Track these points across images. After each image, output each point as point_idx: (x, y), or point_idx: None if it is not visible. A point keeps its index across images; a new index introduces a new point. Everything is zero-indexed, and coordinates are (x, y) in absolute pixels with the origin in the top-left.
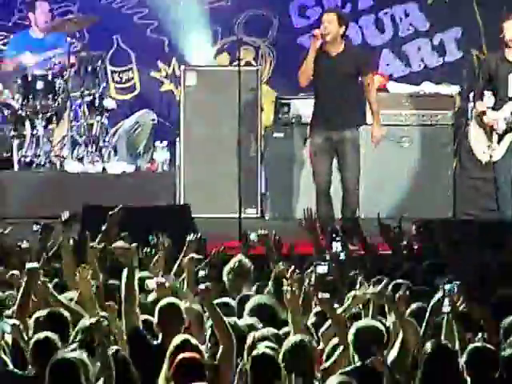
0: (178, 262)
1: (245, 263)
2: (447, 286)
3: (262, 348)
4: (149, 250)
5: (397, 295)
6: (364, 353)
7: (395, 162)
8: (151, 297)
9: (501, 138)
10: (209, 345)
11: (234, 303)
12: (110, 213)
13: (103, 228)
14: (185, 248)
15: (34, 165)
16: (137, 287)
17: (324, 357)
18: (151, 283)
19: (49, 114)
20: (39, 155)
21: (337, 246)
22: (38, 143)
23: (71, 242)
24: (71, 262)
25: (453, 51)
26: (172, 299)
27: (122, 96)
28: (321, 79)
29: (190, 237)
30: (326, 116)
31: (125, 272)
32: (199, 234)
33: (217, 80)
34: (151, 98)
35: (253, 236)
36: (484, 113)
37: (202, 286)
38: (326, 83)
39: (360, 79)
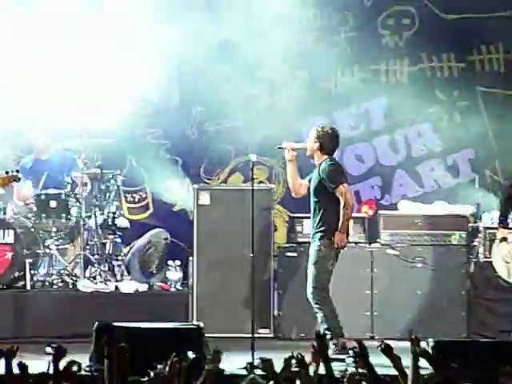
0: None
1: None
2: None
3: None
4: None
5: None
6: None
7: (408, 282)
8: None
9: None
10: None
11: None
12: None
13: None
14: (203, 377)
15: (47, 284)
16: None
17: None
18: None
19: (62, 233)
20: (52, 274)
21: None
22: (51, 262)
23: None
24: None
25: (466, 172)
26: None
27: (135, 216)
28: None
29: (208, 366)
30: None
31: None
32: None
33: (230, 199)
34: (164, 218)
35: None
36: (505, 239)
37: None
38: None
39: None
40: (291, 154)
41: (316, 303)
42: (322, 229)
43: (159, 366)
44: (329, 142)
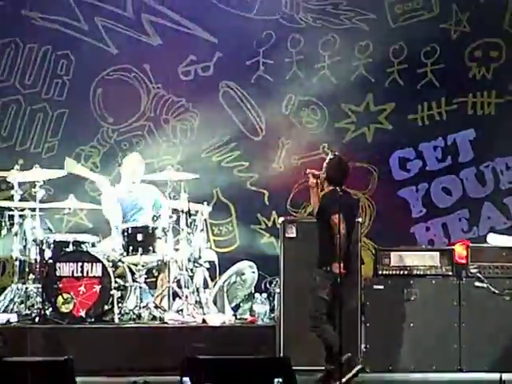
0: None
1: None
2: None
3: None
4: None
5: None
6: None
7: (497, 314)
8: None
9: None
10: None
11: None
12: None
13: None
14: None
15: (135, 317)
16: None
17: None
18: None
19: (149, 266)
20: (140, 307)
21: None
22: (139, 295)
23: None
24: None
25: None
26: None
27: (222, 248)
28: None
29: None
30: None
31: None
32: None
33: (316, 232)
34: (251, 250)
35: None
36: None
37: None
38: None
39: None
40: (311, 181)
41: (312, 331)
42: (318, 258)
43: None
44: (335, 172)
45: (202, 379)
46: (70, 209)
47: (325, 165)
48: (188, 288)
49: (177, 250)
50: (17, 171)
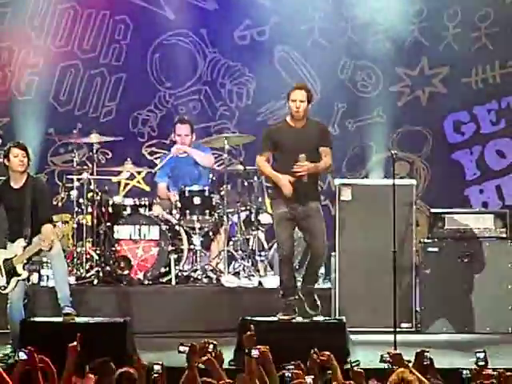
0: None
1: None
2: None
3: None
4: None
5: None
6: None
7: None
8: None
9: None
10: None
11: None
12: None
13: None
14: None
15: (192, 279)
16: None
17: None
18: None
19: (206, 229)
20: (196, 270)
21: None
22: (195, 258)
23: None
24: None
25: None
26: None
27: None
28: (284, 153)
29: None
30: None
31: None
32: None
33: (371, 195)
34: None
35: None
36: None
37: None
38: (289, 156)
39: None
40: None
41: None
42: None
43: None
44: None
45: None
46: (127, 172)
47: (307, 99)
48: (244, 251)
49: (232, 213)
50: (76, 135)
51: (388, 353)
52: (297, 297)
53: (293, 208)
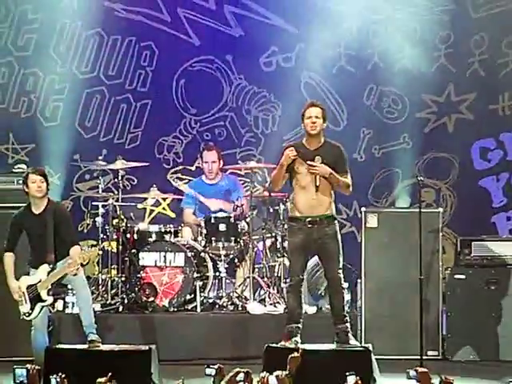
0: None
1: None
2: None
3: None
4: None
5: None
6: None
7: None
8: None
9: None
10: None
11: None
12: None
13: None
14: None
15: (217, 306)
16: None
17: None
18: None
19: (231, 256)
20: (222, 297)
21: None
22: (221, 285)
23: None
24: None
25: None
26: None
27: None
28: (301, 173)
29: None
30: (306, 212)
31: None
32: None
33: (397, 222)
34: None
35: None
36: None
37: None
38: (305, 177)
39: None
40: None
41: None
42: None
43: None
44: None
45: (281, 368)
46: (153, 198)
47: (322, 117)
48: (269, 278)
49: (258, 240)
50: (101, 162)
51: (415, 370)
52: (299, 325)
53: (308, 234)
